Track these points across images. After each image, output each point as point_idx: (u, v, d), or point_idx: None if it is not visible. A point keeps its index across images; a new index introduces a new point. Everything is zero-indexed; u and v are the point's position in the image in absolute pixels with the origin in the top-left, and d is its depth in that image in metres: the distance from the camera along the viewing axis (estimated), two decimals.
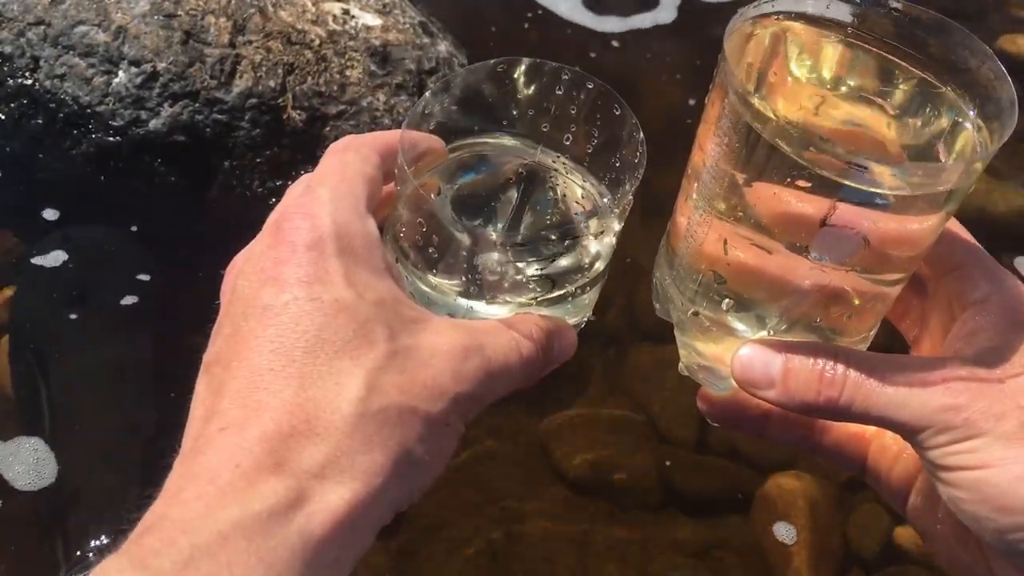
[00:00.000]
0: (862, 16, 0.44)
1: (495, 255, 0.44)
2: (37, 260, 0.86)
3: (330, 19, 0.96)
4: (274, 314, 0.39)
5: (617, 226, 0.47)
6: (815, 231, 0.40)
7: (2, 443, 0.75)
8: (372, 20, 0.98)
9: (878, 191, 0.38)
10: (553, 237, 0.46)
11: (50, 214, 0.90)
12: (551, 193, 0.50)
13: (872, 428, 0.50)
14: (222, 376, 0.39)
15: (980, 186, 1.03)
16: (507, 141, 0.51)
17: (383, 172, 0.46)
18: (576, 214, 0.50)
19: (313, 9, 0.97)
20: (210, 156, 0.90)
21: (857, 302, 0.43)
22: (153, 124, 0.88)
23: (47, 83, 0.89)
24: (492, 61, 0.48)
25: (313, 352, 0.38)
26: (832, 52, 0.45)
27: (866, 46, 0.44)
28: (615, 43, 1.19)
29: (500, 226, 0.49)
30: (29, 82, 0.90)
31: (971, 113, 0.42)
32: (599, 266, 0.47)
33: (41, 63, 0.90)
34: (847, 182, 0.38)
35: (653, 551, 0.78)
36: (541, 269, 0.45)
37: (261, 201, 0.91)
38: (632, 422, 0.85)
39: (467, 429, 0.42)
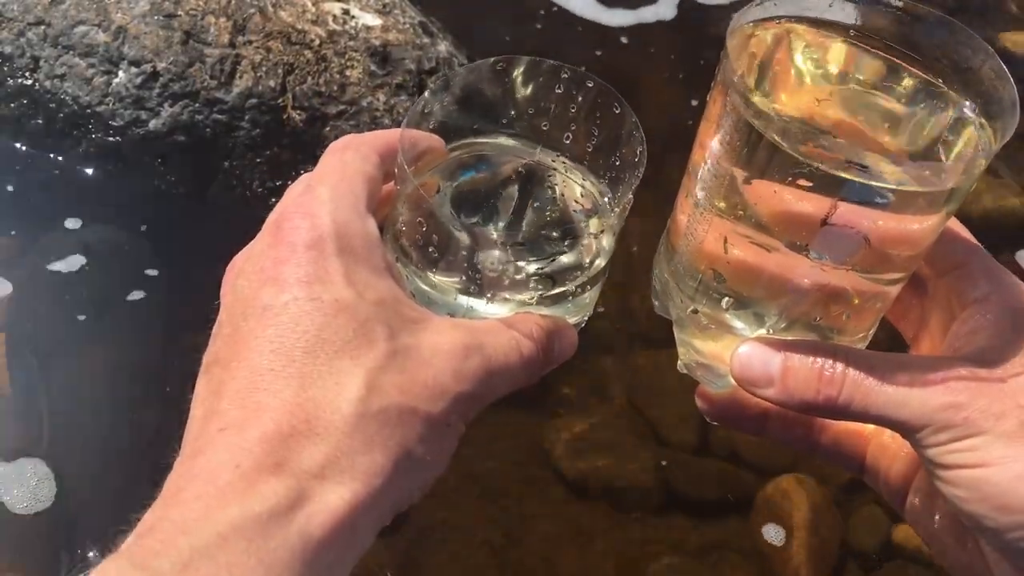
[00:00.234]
0: (864, 16, 0.44)
1: (495, 253, 0.44)
2: (36, 260, 0.86)
3: (330, 19, 0.96)
4: (274, 314, 0.39)
5: (617, 225, 0.47)
6: (815, 230, 0.40)
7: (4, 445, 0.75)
8: (372, 20, 0.98)
9: (879, 185, 0.38)
10: (553, 236, 0.46)
11: (50, 214, 0.89)
12: (551, 192, 0.50)
13: (871, 427, 0.50)
14: (222, 376, 0.39)
15: (980, 185, 1.03)
16: (507, 140, 0.51)
17: (383, 171, 0.46)
18: (576, 212, 0.50)
19: (313, 9, 0.97)
20: (210, 156, 0.90)
21: (857, 301, 0.43)
22: (153, 124, 0.88)
23: (47, 83, 0.89)
24: (491, 60, 0.48)
25: (313, 352, 0.38)
26: (835, 51, 0.45)
27: (868, 46, 0.44)
28: (624, 39, 1.19)
29: (500, 225, 0.49)
30: (29, 82, 0.90)
31: (973, 112, 0.42)
32: (599, 265, 0.47)
33: (41, 63, 0.90)
34: (848, 176, 0.38)
35: (653, 552, 0.78)
36: (541, 268, 0.45)
37: (261, 201, 0.91)
38: (632, 423, 0.85)
39: (467, 429, 0.42)
